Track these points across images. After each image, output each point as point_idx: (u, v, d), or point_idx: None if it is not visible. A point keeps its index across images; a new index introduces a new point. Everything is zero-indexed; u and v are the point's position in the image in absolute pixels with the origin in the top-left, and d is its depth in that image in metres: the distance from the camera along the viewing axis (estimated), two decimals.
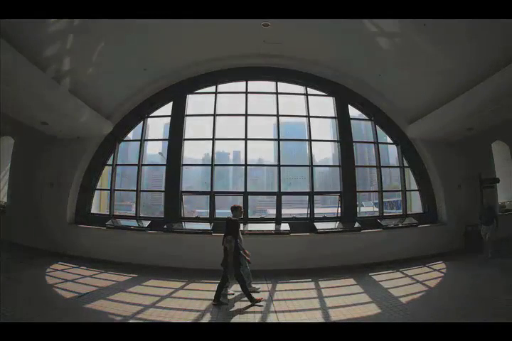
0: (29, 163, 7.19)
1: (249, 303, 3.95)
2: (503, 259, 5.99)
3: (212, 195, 6.74)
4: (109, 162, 7.32)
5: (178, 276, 5.20)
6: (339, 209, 6.92)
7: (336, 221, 6.77)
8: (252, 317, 3.56)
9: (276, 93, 7.38)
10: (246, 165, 6.95)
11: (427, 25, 4.80)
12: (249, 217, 6.82)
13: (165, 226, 6.20)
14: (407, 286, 4.65)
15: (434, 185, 7.36)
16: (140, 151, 7.23)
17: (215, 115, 7.16)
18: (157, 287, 4.69)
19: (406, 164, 7.58)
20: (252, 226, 6.26)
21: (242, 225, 5.59)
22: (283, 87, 7.52)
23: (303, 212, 6.92)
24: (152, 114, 7.46)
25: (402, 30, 5.42)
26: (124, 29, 5.17)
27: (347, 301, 4.04)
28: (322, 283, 4.92)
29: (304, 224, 6.43)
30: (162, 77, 7.12)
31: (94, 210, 7.27)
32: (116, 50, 5.71)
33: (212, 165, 6.94)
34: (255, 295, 4.11)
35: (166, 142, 7.15)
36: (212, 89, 7.43)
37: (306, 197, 6.92)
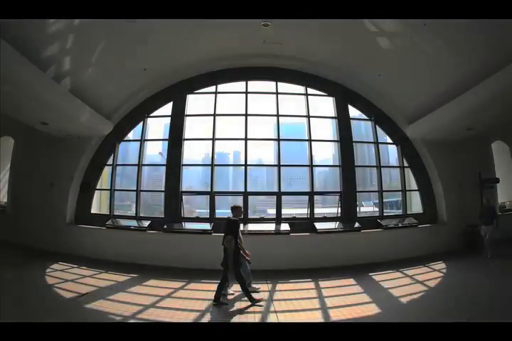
0: (29, 163, 7.19)
1: (249, 303, 3.95)
2: (503, 259, 5.99)
3: (212, 195, 6.74)
4: (109, 162, 7.32)
5: (178, 276, 5.20)
6: (339, 209, 6.92)
7: (336, 221, 6.77)
8: (252, 317, 3.56)
9: (277, 93, 7.39)
10: (246, 165, 6.95)
11: (427, 25, 4.80)
12: (249, 217, 6.82)
13: (165, 226, 6.20)
14: (407, 286, 4.64)
15: (434, 185, 7.37)
16: (140, 151, 7.23)
17: (215, 115, 7.16)
18: (157, 287, 4.69)
19: (406, 164, 7.58)
20: (252, 226, 6.26)
21: (242, 225, 5.59)
22: (283, 87, 7.52)
23: (303, 212, 6.92)
24: (152, 114, 7.46)
25: (402, 30, 5.42)
26: (124, 29, 5.18)
27: (347, 301, 4.04)
28: (322, 283, 4.91)
29: (304, 224, 6.42)
30: (162, 77, 7.12)
31: (94, 210, 7.27)
32: (116, 50, 5.71)
33: (212, 165, 6.94)
34: (255, 295, 4.10)
35: (166, 142, 7.15)
36: (212, 89, 7.43)
37: (306, 197, 6.92)
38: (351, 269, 5.53)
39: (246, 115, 7.15)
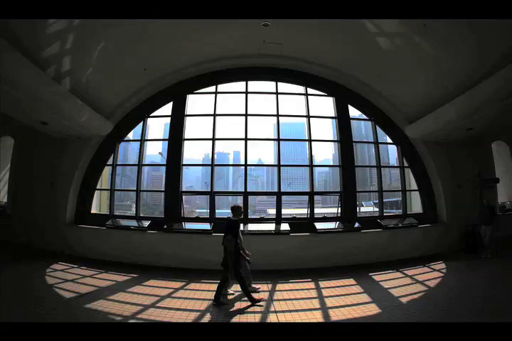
0: (29, 163, 7.19)
1: (249, 303, 3.96)
2: (503, 259, 5.99)
3: (212, 195, 6.75)
4: (109, 162, 7.32)
5: (178, 276, 5.21)
6: (339, 209, 6.92)
7: (336, 221, 6.77)
8: (252, 317, 3.56)
9: (276, 93, 7.38)
10: (246, 165, 6.96)
11: (427, 25, 4.81)
12: (249, 217, 6.82)
13: (165, 226, 6.20)
14: (407, 286, 4.65)
15: (434, 185, 7.36)
16: (140, 151, 7.23)
17: (215, 115, 7.16)
18: (157, 287, 4.69)
19: (406, 164, 7.59)
20: (252, 226, 6.26)
21: (242, 225, 5.59)
22: (283, 87, 7.53)
23: (303, 212, 6.92)
24: (152, 114, 7.46)
25: (402, 30, 5.42)
26: (124, 29, 5.18)
27: (347, 301, 4.04)
28: (322, 283, 4.92)
29: (304, 224, 6.42)
30: (162, 77, 7.11)
31: (94, 210, 7.27)
32: (116, 50, 5.71)
33: (212, 165, 6.94)
34: (255, 295, 4.11)
35: (166, 142, 7.16)
36: (212, 89, 7.44)
37: (306, 197, 6.93)
38: (351, 269, 5.53)
39: (246, 115, 7.15)
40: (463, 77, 5.49)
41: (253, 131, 7.14)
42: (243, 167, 6.98)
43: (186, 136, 7.17)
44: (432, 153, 7.25)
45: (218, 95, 7.36)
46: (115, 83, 6.55)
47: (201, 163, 7.67)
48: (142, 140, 7.29)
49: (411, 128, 7.18)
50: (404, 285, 4.72)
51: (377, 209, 7.39)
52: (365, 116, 7.81)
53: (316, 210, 6.90)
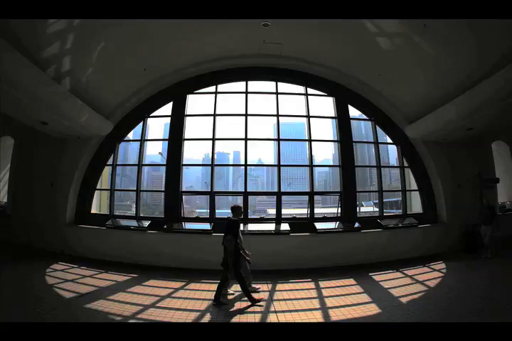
0: (29, 163, 7.19)
1: (249, 303, 3.95)
2: (503, 259, 5.99)
3: (212, 195, 6.75)
4: (109, 162, 7.32)
5: (178, 276, 5.21)
6: (339, 209, 6.92)
7: (336, 221, 6.77)
8: (252, 317, 3.56)
9: (276, 93, 7.38)
10: (246, 165, 6.96)
11: (427, 25, 4.81)
12: (249, 217, 6.82)
13: (165, 226, 6.20)
14: (407, 286, 4.65)
15: (434, 185, 7.36)
16: (140, 151, 7.23)
17: (215, 115, 7.16)
18: (157, 287, 4.69)
19: (406, 164, 7.59)
20: (252, 226, 6.26)
21: (242, 225, 5.59)
22: (283, 87, 7.53)
23: (303, 212, 6.92)
24: (152, 114, 7.46)
25: (402, 30, 5.43)
26: (124, 29, 5.18)
27: (347, 301, 4.04)
28: (322, 283, 4.92)
29: (304, 224, 6.42)
30: (162, 77, 7.11)
31: (94, 210, 7.27)
32: (116, 50, 5.71)
33: (212, 165, 6.94)
34: (255, 295, 4.11)
35: (166, 142, 7.16)
36: (212, 89, 7.44)
37: (306, 197, 6.93)
38: (351, 269, 5.54)
39: (246, 115, 7.14)
40: (463, 77, 5.49)
41: (253, 131, 7.15)
42: (243, 167, 6.98)
43: (186, 136, 7.17)
44: (432, 153, 7.26)
45: (218, 95, 7.36)
46: (115, 83, 6.55)
47: (201, 163, 7.67)
48: (142, 140, 7.29)
49: (411, 128, 7.18)
50: (404, 285, 4.72)
51: (377, 209, 7.39)
52: (365, 116, 7.81)
53: (316, 210, 6.91)
